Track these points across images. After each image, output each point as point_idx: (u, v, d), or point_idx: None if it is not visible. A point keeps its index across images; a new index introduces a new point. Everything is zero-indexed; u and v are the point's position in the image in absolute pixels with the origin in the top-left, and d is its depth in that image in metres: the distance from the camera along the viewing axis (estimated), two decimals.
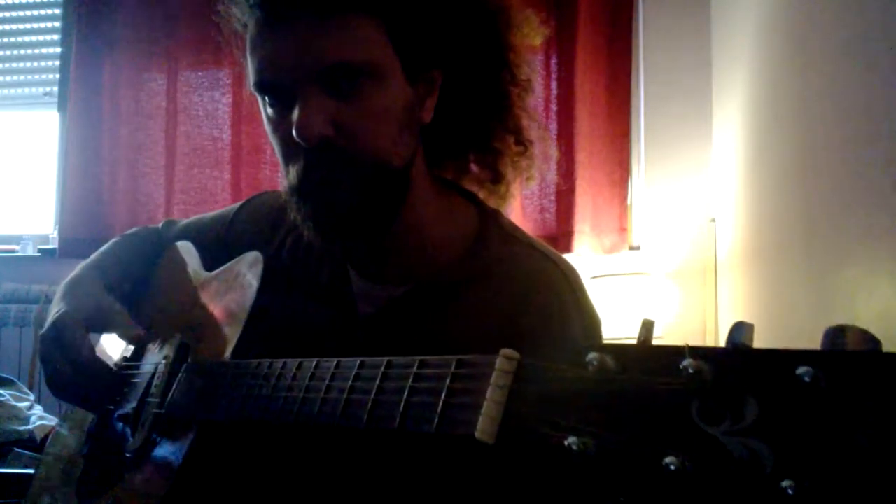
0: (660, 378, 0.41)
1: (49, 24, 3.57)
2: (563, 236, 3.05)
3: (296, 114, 0.86)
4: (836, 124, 1.78)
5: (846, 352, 0.35)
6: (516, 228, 1.05)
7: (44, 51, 3.60)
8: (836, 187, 1.79)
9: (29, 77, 3.59)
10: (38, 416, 2.50)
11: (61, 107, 3.43)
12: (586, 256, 3.02)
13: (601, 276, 2.84)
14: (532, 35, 1.02)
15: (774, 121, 2.28)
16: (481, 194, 1.07)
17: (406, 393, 0.58)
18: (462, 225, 1.02)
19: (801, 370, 0.35)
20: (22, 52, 3.60)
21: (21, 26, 3.62)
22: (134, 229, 1.34)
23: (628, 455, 0.40)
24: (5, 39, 3.60)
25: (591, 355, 0.44)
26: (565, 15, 3.09)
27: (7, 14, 3.61)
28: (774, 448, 0.35)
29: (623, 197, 3.07)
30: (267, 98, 0.91)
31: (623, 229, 3.04)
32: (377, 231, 0.94)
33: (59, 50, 3.49)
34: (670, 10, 3.08)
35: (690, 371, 0.39)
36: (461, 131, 1.03)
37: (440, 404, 0.54)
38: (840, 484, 0.33)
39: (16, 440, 2.40)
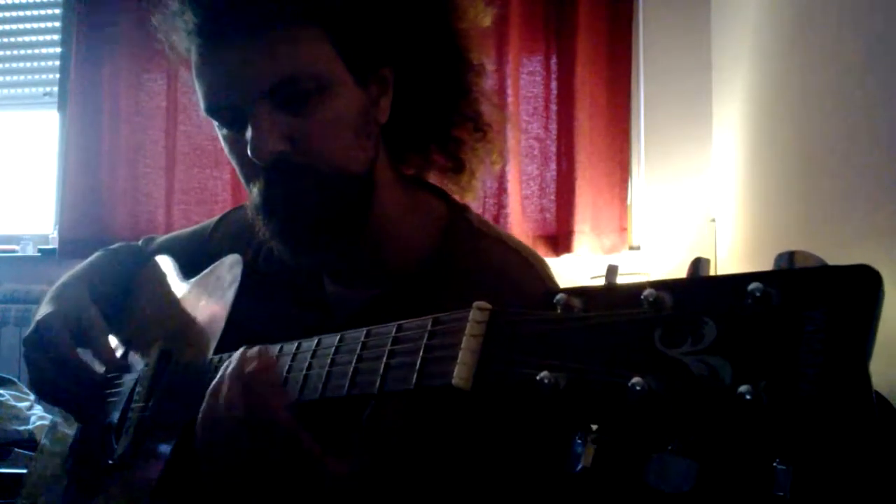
0: (623, 311, 0.43)
1: (49, 24, 3.57)
2: (563, 236, 3.05)
3: (248, 133, 0.85)
4: (836, 124, 1.78)
5: (794, 269, 0.38)
6: (484, 223, 1.04)
7: (44, 51, 3.60)
8: (836, 187, 1.79)
9: (29, 77, 3.60)
10: (38, 416, 2.50)
11: (61, 107, 3.44)
12: (586, 256, 3.01)
13: (601, 276, 2.84)
14: (480, 17, 1.01)
15: (774, 121, 2.28)
16: (446, 187, 1.06)
17: (385, 356, 0.60)
18: (431, 222, 1.01)
19: (752, 286, 0.38)
20: (22, 52, 3.61)
21: (21, 26, 3.62)
22: (115, 245, 1.34)
23: (597, 383, 0.43)
24: (5, 39, 3.61)
25: (559, 297, 0.47)
26: (565, 15, 3.10)
27: (7, 14, 3.62)
28: (732, 361, 0.38)
29: (623, 197, 3.07)
30: (218, 121, 0.90)
31: (623, 229, 3.04)
32: (346, 240, 0.94)
33: (59, 50, 3.50)
34: (670, 10, 3.08)
35: (651, 300, 0.42)
36: (421, 124, 1.01)
37: (418, 362, 0.56)
38: (794, 383, 0.36)
39: (16, 440, 2.40)
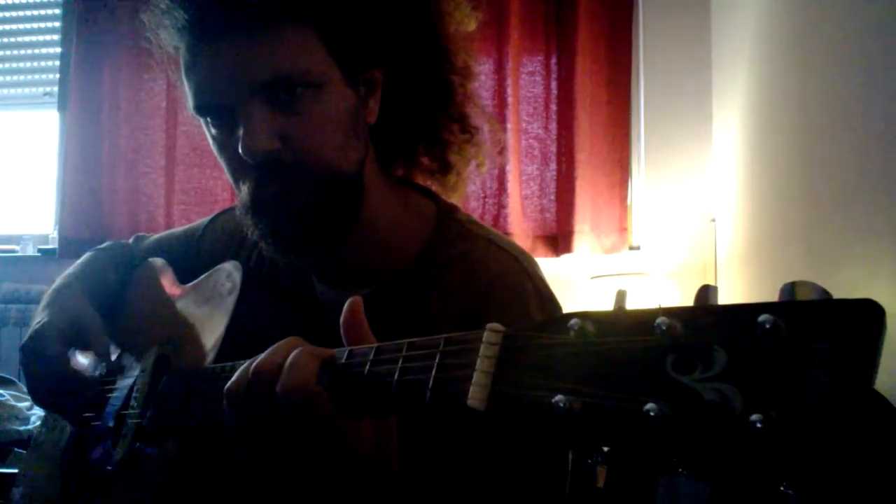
0: (636, 337, 0.45)
1: (49, 24, 3.58)
2: (563, 236, 3.05)
3: (240, 131, 0.86)
4: (836, 124, 1.79)
5: (802, 301, 0.40)
6: (473, 222, 1.04)
7: (44, 51, 3.61)
8: (835, 187, 1.79)
9: (29, 77, 3.60)
10: (38, 416, 2.50)
11: (61, 107, 3.44)
12: (586, 256, 3.02)
13: (601, 276, 2.85)
14: (465, 21, 1.02)
15: (774, 121, 2.28)
16: (433, 188, 1.07)
17: (397, 374, 0.60)
18: (420, 222, 1.02)
19: (762, 318, 0.39)
20: (22, 52, 3.61)
21: (21, 26, 3.62)
22: (106, 244, 1.33)
23: (611, 407, 0.44)
24: (5, 39, 3.61)
25: (572, 322, 0.48)
26: (565, 15, 3.10)
27: (7, 14, 3.62)
28: (742, 389, 0.39)
29: (623, 197, 3.07)
30: (209, 119, 0.91)
31: (623, 229, 3.05)
32: (334, 241, 0.94)
33: (59, 50, 3.50)
34: (670, 10, 3.08)
35: (664, 328, 0.43)
36: (409, 125, 1.02)
37: (431, 380, 0.57)
38: (804, 412, 0.37)
39: (16, 440, 2.41)
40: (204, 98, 0.88)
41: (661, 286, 2.86)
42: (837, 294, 0.39)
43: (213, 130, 0.91)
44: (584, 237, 3.02)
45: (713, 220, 2.93)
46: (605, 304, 2.17)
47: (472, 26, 1.03)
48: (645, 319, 0.44)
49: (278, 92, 0.86)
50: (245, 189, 0.90)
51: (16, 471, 1.27)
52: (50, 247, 3.31)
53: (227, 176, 0.94)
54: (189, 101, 0.91)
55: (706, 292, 0.44)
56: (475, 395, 0.52)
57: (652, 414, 0.41)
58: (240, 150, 0.86)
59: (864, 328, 0.37)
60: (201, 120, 0.92)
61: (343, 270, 1.01)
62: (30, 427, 2.47)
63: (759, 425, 0.37)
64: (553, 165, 3.11)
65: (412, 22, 0.98)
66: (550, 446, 0.46)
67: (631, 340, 0.44)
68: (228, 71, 0.85)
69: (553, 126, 3.12)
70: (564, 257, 3.04)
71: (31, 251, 3.34)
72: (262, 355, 0.68)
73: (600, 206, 3.04)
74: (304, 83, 0.86)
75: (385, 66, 0.96)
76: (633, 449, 0.42)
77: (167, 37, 0.92)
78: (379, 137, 1.00)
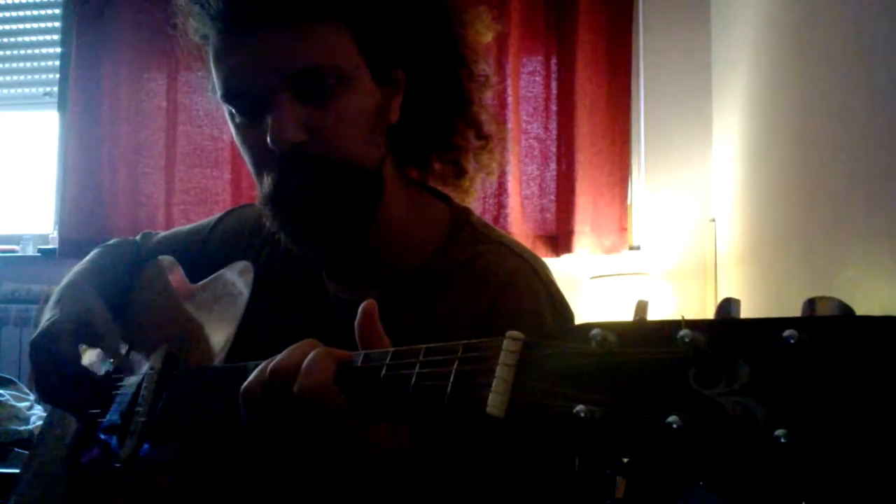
0: (659, 349, 0.45)
1: (49, 24, 3.57)
2: (563, 236, 3.06)
3: (268, 121, 0.87)
4: (836, 125, 1.79)
5: (827, 316, 0.40)
6: (486, 226, 1.06)
7: (44, 51, 3.60)
8: (835, 187, 1.80)
9: (29, 77, 3.60)
10: (38, 416, 2.50)
11: (61, 107, 3.43)
12: (586, 256, 3.02)
13: (601, 276, 2.85)
14: (484, 32, 1.04)
15: (774, 121, 2.28)
16: (445, 191, 1.08)
17: (414, 379, 0.61)
18: (433, 224, 1.03)
19: (787, 333, 0.39)
20: (22, 52, 3.61)
21: (21, 26, 3.62)
22: (113, 240, 1.33)
23: (633, 418, 0.44)
24: (5, 39, 3.60)
25: (594, 332, 0.48)
26: (565, 15, 3.10)
27: (7, 14, 3.61)
28: (766, 404, 0.39)
29: (623, 197, 3.08)
30: (236, 108, 0.91)
31: (623, 229, 3.05)
32: (354, 234, 0.95)
33: (59, 50, 3.49)
34: (670, 11, 3.09)
35: (687, 341, 0.43)
36: (425, 130, 1.04)
37: (450, 386, 0.57)
38: (829, 428, 0.37)
39: (16, 440, 2.41)
40: (234, 85, 0.89)
41: (661, 286, 2.87)
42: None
43: (239, 119, 0.92)
44: (584, 237, 3.02)
45: (713, 220, 2.93)
46: (606, 305, 2.17)
47: (488, 38, 1.05)
48: (668, 331, 0.44)
49: (308, 84, 0.87)
50: (268, 180, 0.91)
51: (16, 471, 1.27)
52: (50, 247, 3.31)
53: (249, 166, 0.95)
54: (216, 90, 0.92)
55: (728, 305, 0.44)
56: (494, 402, 0.52)
57: (674, 426, 0.41)
58: (268, 140, 0.87)
59: (889, 345, 0.37)
60: (226, 109, 0.93)
61: (355, 269, 1.02)
62: (30, 427, 2.47)
63: (783, 440, 0.37)
64: (553, 165, 3.12)
65: (436, 27, 0.99)
66: (570, 455, 0.46)
67: (653, 352, 0.44)
68: (261, 60, 0.87)
69: (553, 126, 3.12)
70: (564, 257, 3.04)
71: (31, 251, 3.34)
72: (280, 356, 0.69)
73: (600, 206, 3.04)
74: (334, 77, 0.88)
75: (407, 69, 0.98)
76: (654, 461, 0.42)
77: (197, 24, 0.93)
78: (396, 139, 1.01)
